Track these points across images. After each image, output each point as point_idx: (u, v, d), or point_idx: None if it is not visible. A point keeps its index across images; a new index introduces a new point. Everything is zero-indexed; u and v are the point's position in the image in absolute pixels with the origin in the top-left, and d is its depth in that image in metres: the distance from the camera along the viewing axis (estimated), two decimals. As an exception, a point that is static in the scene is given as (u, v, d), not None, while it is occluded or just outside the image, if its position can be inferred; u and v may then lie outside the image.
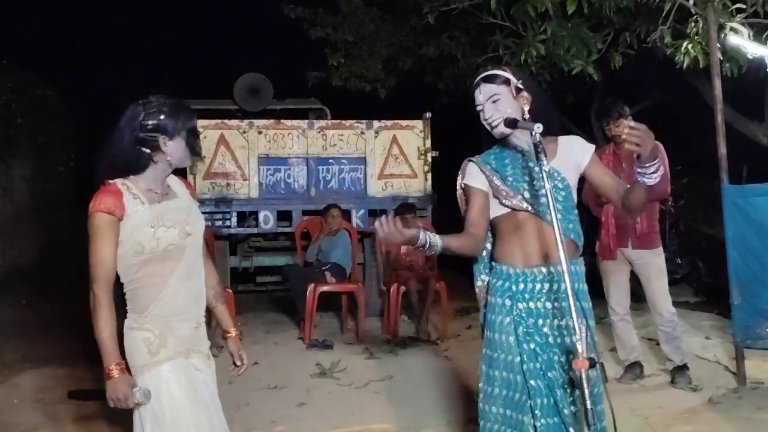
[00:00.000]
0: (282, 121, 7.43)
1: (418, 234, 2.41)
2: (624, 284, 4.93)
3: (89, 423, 4.35)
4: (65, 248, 9.26)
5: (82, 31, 13.89)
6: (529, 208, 2.57)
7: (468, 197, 2.70)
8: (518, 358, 2.53)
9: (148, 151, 2.42)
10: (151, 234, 2.39)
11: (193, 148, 2.48)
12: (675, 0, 5.07)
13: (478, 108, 2.61)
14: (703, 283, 7.54)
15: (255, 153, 7.10)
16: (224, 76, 9.34)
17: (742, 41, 5.06)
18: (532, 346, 2.53)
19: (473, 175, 2.68)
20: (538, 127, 2.30)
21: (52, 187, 10.53)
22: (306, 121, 7.51)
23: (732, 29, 4.99)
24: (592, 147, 2.70)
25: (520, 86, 2.58)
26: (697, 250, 7.25)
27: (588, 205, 5.06)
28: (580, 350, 2.15)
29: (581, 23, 5.85)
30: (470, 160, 2.70)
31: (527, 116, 2.54)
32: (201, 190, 6.95)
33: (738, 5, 5.03)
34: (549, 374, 2.52)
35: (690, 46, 5.21)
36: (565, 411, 2.50)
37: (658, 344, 5.06)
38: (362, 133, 7.31)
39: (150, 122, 2.42)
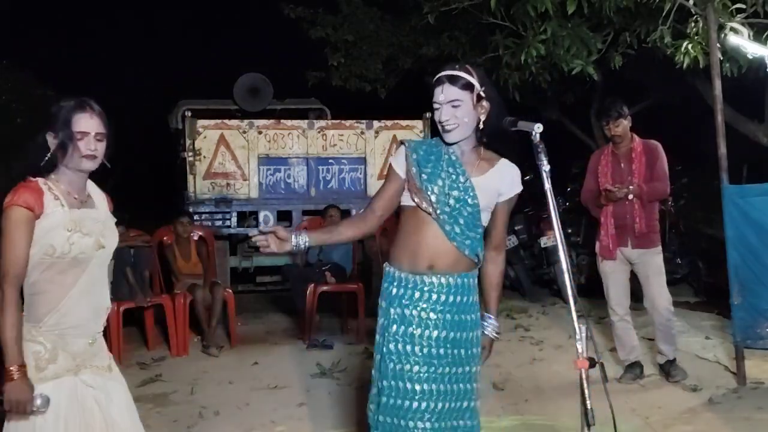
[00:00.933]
0: (282, 121, 7.44)
1: (290, 238, 2.49)
2: (624, 285, 4.93)
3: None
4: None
5: (82, 31, 13.89)
6: (430, 211, 2.55)
7: (386, 177, 2.71)
8: (387, 358, 2.56)
9: (51, 150, 2.35)
10: (65, 238, 2.32)
11: (64, 150, 2.33)
12: (675, 0, 5.07)
13: (435, 105, 2.58)
14: (703, 283, 7.53)
15: (255, 153, 7.10)
16: (224, 76, 9.35)
17: (742, 41, 5.05)
18: (400, 348, 2.55)
19: (398, 160, 2.66)
20: (538, 127, 2.29)
21: (52, 187, 10.53)
22: (306, 121, 7.51)
23: (732, 29, 4.99)
24: (520, 189, 2.69)
25: (482, 94, 2.56)
26: (697, 250, 7.25)
27: (587, 207, 5.07)
28: (579, 350, 2.15)
29: (581, 23, 5.85)
30: (403, 143, 2.70)
31: (482, 126, 2.56)
32: (201, 190, 6.96)
33: (738, 5, 5.03)
34: (421, 385, 2.54)
35: (690, 46, 5.20)
36: (457, 422, 2.56)
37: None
38: (362, 133, 7.31)
39: (49, 119, 2.37)
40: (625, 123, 4.84)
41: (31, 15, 13.12)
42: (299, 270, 6.89)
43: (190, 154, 6.93)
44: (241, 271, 7.83)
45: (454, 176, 2.58)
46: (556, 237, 2.24)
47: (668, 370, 4.89)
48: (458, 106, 2.54)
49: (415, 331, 2.56)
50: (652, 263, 4.82)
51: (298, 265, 7.04)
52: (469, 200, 2.58)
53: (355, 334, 6.53)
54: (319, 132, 7.26)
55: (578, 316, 2.18)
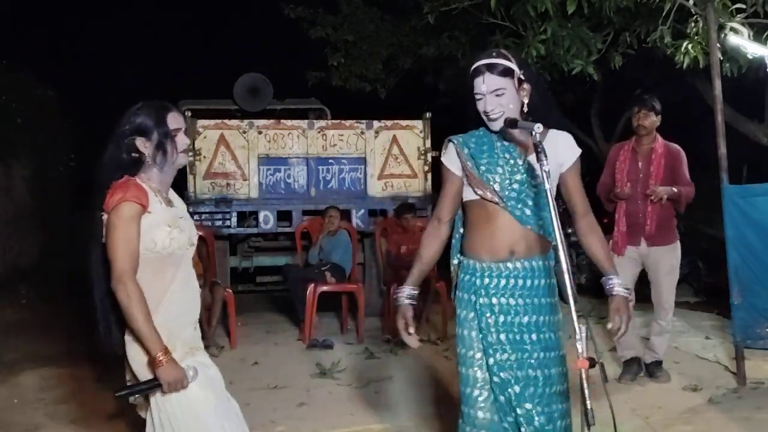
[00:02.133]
0: (282, 121, 7.43)
1: (409, 310, 2.56)
2: (630, 283, 4.89)
3: (89, 423, 4.35)
4: (65, 248, 9.26)
5: (82, 31, 13.90)
6: (498, 201, 2.53)
7: (443, 179, 2.68)
8: (479, 354, 2.55)
9: (133, 154, 2.42)
10: (167, 233, 2.41)
11: (164, 149, 2.43)
12: (675, 0, 5.07)
13: (478, 96, 2.54)
14: (703, 283, 7.54)
15: (255, 153, 7.09)
16: (224, 76, 9.35)
17: (742, 41, 5.06)
18: (494, 339, 2.54)
19: (450, 158, 2.64)
20: (538, 127, 2.29)
21: (52, 187, 10.54)
22: (306, 121, 7.50)
23: (732, 29, 4.99)
24: (579, 151, 2.64)
25: (522, 77, 2.53)
26: (697, 250, 7.25)
27: (600, 199, 5.01)
28: (579, 350, 2.15)
29: (581, 23, 5.85)
30: (450, 140, 2.66)
31: (526, 109, 2.53)
32: (201, 190, 6.95)
33: (738, 5, 5.03)
34: (502, 374, 2.53)
35: (690, 46, 5.21)
36: (518, 410, 2.52)
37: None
38: (362, 133, 7.30)
39: (128, 126, 2.43)
40: (654, 119, 4.78)
41: (31, 15, 13.12)
42: (299, 270, 6.89)
43: (190, 154, 6.93)
44: (241, 271, 7.83)
45: (512, 161, 2.56)
46: (556, 237, 2.24)
47: (653, 370, 4.90)
48: (502, 94, 2.50)
49: (505, 319, 2.55)
50: (666, 261, 4.79)
51: (298, 266, 7.04)
52: (533, 181, 2.55)
53: (355, 334, 6.53)
54: (319, 132, 7.26)
55: (578, 316, 2.19)
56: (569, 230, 7.87)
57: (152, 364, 2.33)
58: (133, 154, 2.43)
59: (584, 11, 5.50)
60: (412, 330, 2.56)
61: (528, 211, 2.55)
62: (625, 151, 4.88)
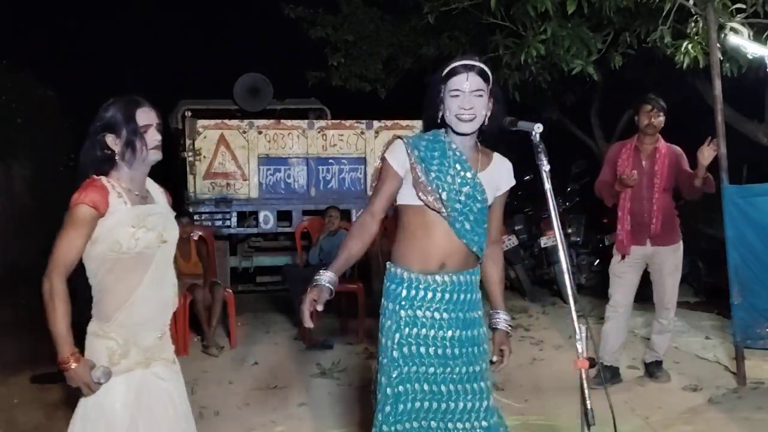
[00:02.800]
0: (282, 121, 7.43)
1: (323, 287, 2.45)
2: (633, 287, 4.86)
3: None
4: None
5: (82, 31, 13.90)
6: (442, 211, 2.50)
7: (383, 176, 2.58)
8: (393, 363, 2.51)
9: (105, 151, 2.41)
10: (131, 234, 2.37)
11: (133, 147, 2.40)
12: (675, 0, 5.07)
13: (455, 93, 2.47)
14: (703, 283, 7.54)
15: (255, 153, 7.09)
16: (224, 76, 9.35)
17: (742, 41, 5.05)
18: (405, 351, 2.51)
19: (397, 156, 2.55)
20: (538, 127, 2.29)
21: (52, 187, 10.53)
22: (306, 121, 7.51)
23: (732, 29, 4.99)
24: (513, 182, 2.68)
25: (492, 90, 2.53)
26: (697, 250, 7.25)
27: (601, 196, 4.99)
28: (579, 350, 2.15)
29: (581, 23, 5.85)
30: (400, 138, 2.61)
31: (486, 122, 2.52)
32: (201, 190, 6.95)
33: (738, 5, 5.03)
34: (445, 386, 2.52)
35: (690, 46, 5.20)
36: (449, 425, 2.53)
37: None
38: (362, 133, 7.31)
39: (99, 122, 2.42)
40: (662, 119, 4.75)
41: (31, 15, 13.13)
42: (299, 270, 6.89)
43: (190, 154, 6.93)
44: (241, 271, 7.83)
45: (462, 173, 2.53)
46: (556, 237, 2.24)
47: (653, 370, 4.89)
48: (481, 96, 2.48)
49: (428, 333, 2.52)
50: (669, 260, 4.78)
51: (298, 266, 7.04)
52: (479, 196, 2.54)
53: (355, 334, 6.53)
54: (319, 132, 7.26)
55: (578, 316, 2.19)
56: (569, 230, 7.92)
57: (60, 366, 2.30)
58: (106, 151, 2.41)
59: (584, 11, 5.50)
60: (320, 307, 2.44)
61: (467, 225, 2.53)
62: (628, 150, 4.84)
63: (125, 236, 2.36)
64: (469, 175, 2.54)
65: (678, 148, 4.83)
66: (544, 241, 7.80)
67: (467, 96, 2.47)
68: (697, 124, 6.16)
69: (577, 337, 2.16)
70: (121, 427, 2.37)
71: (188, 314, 6.15)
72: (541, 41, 5.74)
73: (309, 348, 6.17)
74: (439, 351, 2.54)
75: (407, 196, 2.56)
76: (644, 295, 5.10)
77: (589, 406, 2.11)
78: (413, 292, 2.54)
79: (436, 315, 2.54)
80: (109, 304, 2.39)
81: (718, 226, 4.93)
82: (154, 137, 2.45)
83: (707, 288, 7.44)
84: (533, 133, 2.30)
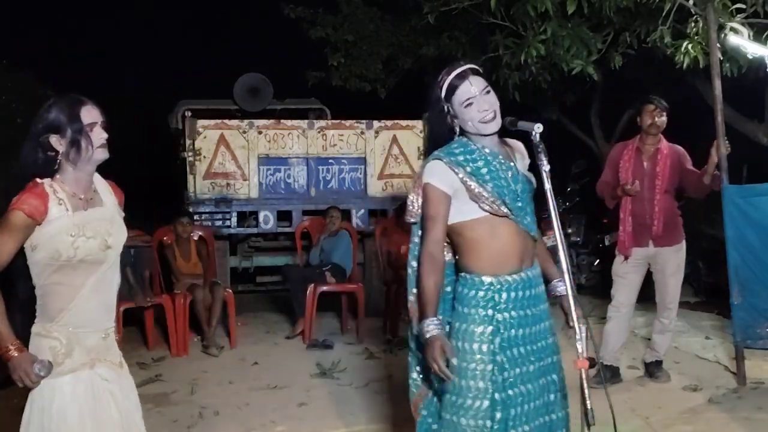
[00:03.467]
0: (282, 121, 7.43)
1: (439, 337, 2.35)
2: (636, 287, 4.85)
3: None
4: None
5: (82, 31, 13.90)
6: (510, 214, 2.47)
7: (434, 201, 2.48)
8: (490, 366, 2.46)
9: (48, 153, 2.35)
10: (69, 243, 2.32)
11: (78, 146, 2.33)
12: (675, 0, 5.07)
13: (470, 101, 2.45)
14: (703, 283, 7.54)
15: (255, 153, 7.09)
16: (224, 76, 9.35)
17: (742, 41, 5.05)
18: (509, 354, 2.47)
19: (443, 177, 2.47)
20: (538, 127, 2.29)
21: (52, 187, 10.54)
22: (306, 121, 7.51)
23: (732, 29, 4.99)
24: (527, 158, 2.65)
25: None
26: (697, 250, 7.25)
27: (602, 197, 4.98)
28: (579, 350, 2.15)
29: (581, 23, 5.85)
30: (438, 158, 2.49)
31: None
32: (201, 190, 6.95)
33: (738, 5, 5.03)
34: (528, 386, 2.49)
35: (690, 46, 5.20)
36: (545, 418, 2.51)
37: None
38: (362, 133, 7.31)
39: (41, 124, 2.35)
40: (665, 120, 4.74)
41: (31, 15, 13.13)
42: (299, 270, 6.89)
43: (190, 154, 6.93)
44: (241, 271, 7.82)
45: (509, 172, 2.52)
46: (556, 237, 2.24)
47: (653, 370, 4.89)
48: (489, 92, 2.48)
49: (518, 333, 2.50)
50: (672, 261, 4.78)
51: (298, 266, 7.04)
52: (528, 187, 2.54)
53: (355, 334, 6.53)
54: (319, 132, 7.26)
55: (578, 316, 2.19)
56: (569, 230, 7.92)
57: (3, 355, 2.30)
58: (49, 153, 2.34)
59: (584, 11, 5.50)
60: (454, 360, 2.38)
61: (528, 218, 2.53)
62: (629, 151, 4.83)
63: (64, 245, 2.32)
64: (514, 170, 2.54)
65: (680, 148, 4.83)
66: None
67: (480, 98, 2.46)
68: (697, 124, 6.16)
69: (577, 337, 2.16)
70: (72, 425, 2.35)
71: (188, 314, 6.15)
72: (541, 41, 5.73)
73: (309, 348, 6.18)
74: (530, 347, 2.52)
75: (467, 213, 2.49)
76: (645, 295, 5.10)
77: (589, 406, 2.11)
78: (505, 294, 2.49)
79: (521, 313, 2.51)
80: (53, 306, 2.37)
81: (718, 226, 4.93)
82: (99, 135, 2.36)
83: (707, 288, 7.44)
84: (533, 133, 2.30)
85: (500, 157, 2.53)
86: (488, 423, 2.44)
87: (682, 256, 4.82)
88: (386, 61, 8.79)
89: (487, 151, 2.51)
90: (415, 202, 2.57)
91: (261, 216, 7.07)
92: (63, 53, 13.68)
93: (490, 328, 2.47)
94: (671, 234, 4.77)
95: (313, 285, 6.42)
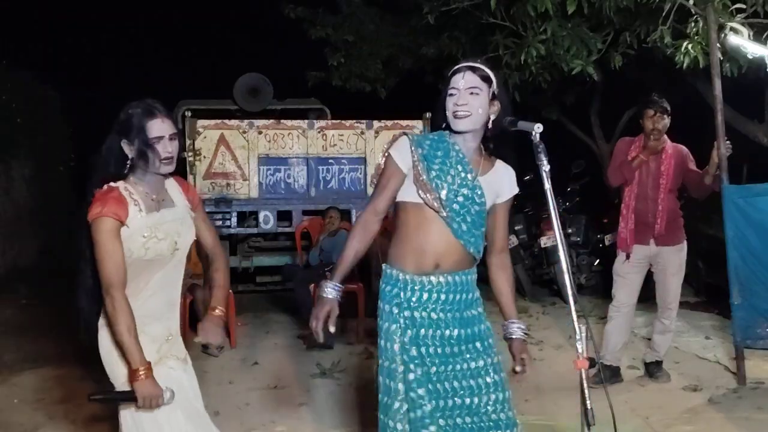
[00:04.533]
0: (282, 121, 7.43)
1: (332, 302, 2.46)
2: (637, 287, 4.85)
3: (89, 423, 4.35)
4: (65, 248, 9.26)
5: (82, 31, 13.89)
6: (441, 211, 2.51)
7: (387, 172, 2.58)
8: (401, 367, 2.49)
9: (126, 155, 2.42)
10: (141, 243, 2.41)
11: (144, 157, 2.41)
12: (675, 0, 5.07)
13: (452, 92, 2.52)
14: (703, 283, 7.53)
15: (255, 153, 7.09)
16: (224, 76, 9.34)
17: (742, 41, 5.05)
18: (414, 352, 2.49)
19: (402, 152, 2.56)
20: (538, 127, 2.30)
21: (52, 187, 10.54)
22: (306, 121, 7.51)
23: (732, 29, 4.99)
24: (517, 190, 2.69)
25: (496, 93, 2.54)
26: (697, 250, 7.25)
27: (614, 179, 4.89)
28: (579, 350, 2.15)
29: (581, 23, 5.85)
30: (405, 134, 2.63)
31: (491, 125, 2.53)
32: (201, 190, 6.95)
33: (738, 5, 5.03)
34: (441, 385, 2.51)
35: (690, 46, 5.20)
36: (457, 420, 2.51)
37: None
38: (362, 133, 7.31)
39: (118, 127, 2.43)
40: (666, 122, 4.73)
41: (31, 15, 13.12)
42: (302, 271, 6.88)
43: (190, 154, 6.93)
44: (241, 271, 7.83)
45: (462, 174, 2.55)
46: (556, 237, 2.24)
47: (653, 370, 4.89)
48: (476, 94, 2.50)
49: (427, 332, 2.53)
50: (673, 261, 4.78)
51: (298, 265, 7.03)
52: (477, 199, 2.56)
53: (355, 334, 6.53)
54: (319, 132, 7.26)
55: (578, 316, 2.19)
56: (569, 230, 7.92)
57: (131, 376, 2.36)
58: (121, 155, 2.43)
59: (584, 11, 5.50)
60: (332, 328, 2.48)
61: (464, 227, 2.54)
62: (637, 148, 4.81)
63: (136, 245, 2.40)
64: (469, 177, 2.56)
65: (684, 148, 4.83)
66: (544, 241, 7.80)
67: (462, 93, 2.50)
68: (697, 124, 6.16)
69: (577, 337, 2.16)
70: (162, 416, 2.44)
71: (188, 314, 6.15)
72: (541, 41, 5.74)
73: (309, 348, 6.17)
74: (439, 350, 2.54)
75: (407, 194, 2.57)
76: (645, 295, 5.10)
77: (589, 406, 2.11)
78: (409, 293, 2.54)
79: (433, 315, 2.54)
80: None
81: (718, 226, 4.93)
82: (165, 149, 2.43)
83: (707, 288, 7.44)
84: (533, 133, 2.30)
85: (466, 160, 2.56)
86: (407, 427, 2.48)
87: (683, 256, 4.82)
88: (386, 61, 8.79)
89: (457, 148, 2.56)
90: (379, 168, 2.67)
91: (261, 216, 7.07)
92: (63, 53, 13.67)
93: (395, 326, 2.52)
94: (673, 234, 4.77)
95: (313, 285, 6.42)
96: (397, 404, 2.51)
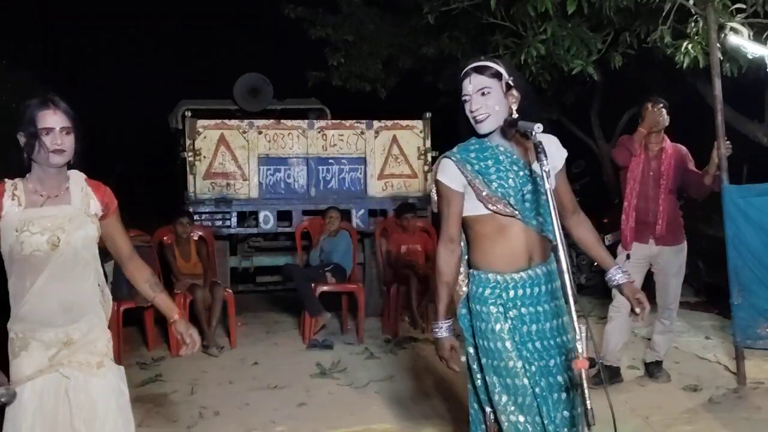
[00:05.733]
0: (282, 121, 7.43)
1: (450, 338, 2.53)
2: (637, 286, 4.85)
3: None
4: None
5: (82, 31, 13.89)
6: (516, 214, 2.51)
7: (445, 199, 2.58)
8: (520, 363, 2.50)
9: (24, 149, 2.44)
10: (15, 238, 2.40)
11: (31, 148, 2.42)
12: (675, 0, 5.07)
13: (465, 98, 2.52)
14: (703, 283, 7.53)
15: (255, 153, 7.09)
16: (224, 76, 9.34)
17: (742, 41, 5.05)
18: (530, 348, 2.51)
19: (451, 175, 2.55)
20: (538, 127, 2.29)
21: (52, 187, 10.53)
22: (306, 121, 7.50)
23: (732, 29, 4.99)
24: (566, 152, 2.69)
25: (511, 83, 2.51)
26: (697, 250, 7.25)
27: (620, 158, 4.88)
28: (579, 350, 2.15)
29: (581, 23, 5.85)
30: (448, 157, 2.57)
31: (515, 115, 2.50)
32: (201, 190, 6.95)
33: (738, 5, 5.03)
34: (546, 379, 2.51)
35: (690, 46, 5.20)
36: (564, 413, 2.50)
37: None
38: (362, 133, 7.30)
39: (19, 122, 2.45)
40: (666, 118, 4.75)
41: (31, 15, 13.11)
42: (302, 271, 6.88)
43: (190, 154, 6.92)
44: (241, 271, 7.82)
45: (520, 172, 2.54)
46: (556, 237, 2.24)
47: (653, 370, 4.89)
48: (488, 93, 2.49)
49: (531, 328, 2.53)
50: (674, 261, 4.78)
51: (298, 265, 7.03)
52: (541, 189, 2.53)
53: (355, 334, 6.53)
54: (319, 132, 7.26)
55: (578, 316, 2.19)
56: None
57: None
58: (22, 148, 2.45)
59: (584, 11, 5.50)
60: (459, 365, 2.55)
61: (540, 218, 2.56)
62: (639, 147, 4.83)
63: (11, 240, 2.40)
64: (527, 171, 2.56)
65: (683, 147, 4.84)
66: (544, 241, 7.79)
67: (473, 97, 2.51)
68: (697, 124, 6.16)
69: (577, 337, 2.16)
70: (23, 426, 2.38)
71: (188, 314, 6.15)
72: (541, 41, 5.74)
73: (309, 348, 6.17)
74: (545, 343, 2.54)
75: (475, 209, 2.56)
76: (645, 295, 5.09)
77: (589, 406, 2.11)
78: (512, 292, 2.54)
79: (538, 308, 2.55)
80: (13, 300, 2.46)
81: (718, 226, 4.93)
82: (54, 141, 2.42)
83: (707, 288, 7.44)
84: (533, 133, 2.30)
85: (514, 156, 2.56)
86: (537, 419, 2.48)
87: (683, 256, 4.83)
88: (386, 61, 8.80)
89: (501, 149, 2.56)
90: (433, 196, 2.66)
91: (261, 216, 7.07)
92: (63, 53, 13.67)
93: (507, 324, 2.52)
94: (673, 234, 4.77)
95: (312, 285, 6.43)
96: (520, 399, 2.49)
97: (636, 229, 4.77)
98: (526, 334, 2.52)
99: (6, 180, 2.44)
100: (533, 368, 2.49)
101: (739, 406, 4.34)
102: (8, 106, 8.97)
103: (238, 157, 7.05)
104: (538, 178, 2.54)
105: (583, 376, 2.14)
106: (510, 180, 2.53)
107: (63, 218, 2.46)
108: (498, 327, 2.52)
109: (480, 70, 2.51)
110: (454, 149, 2.61)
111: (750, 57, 5.24)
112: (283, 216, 7.23)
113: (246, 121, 7.24)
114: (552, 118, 9.28)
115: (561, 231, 2.26)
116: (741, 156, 5.41)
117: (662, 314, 4.84)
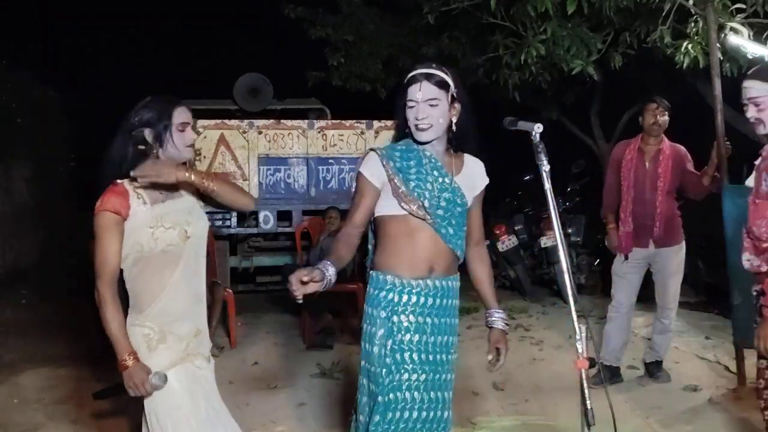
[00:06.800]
0: (282, 121, 7.43)
1: (323, 276, 2.38)
2: (635, 287, 4.86)
3: (89, 423, 4.35)
4: (65, 248, 9.26)
5: (82, 31, 13.90)
6: (427, 218, 2.51)
7: (360, 191, 2.58)
8: (384, 370, 2.49)
9: (139, 147, 2.47)
10: (149, 234, 2.45)
11: (165, 142, 2.48)
12: (675, 0, 5.07)
13: (411, 104, 2.51)
14: (703, 283, 7.53)
15: (255, 153, 7.10)
16: (224, 76, 9.34)
17: (742, 41, 5.05)
18: (398, 357, 2.50)
19: (372, 169, 2.55)
20: (538, 127, 2.30)
21: (52, 187, 10.53)
22: (306, 121, 7.51)
23: (732, 29, 4.99)
24: (488, 181, 2.69)
25: (455, 95, 2.53)
26: (697, 250, 7.25)
27: (608, 203, 4.93)
28: (579, 350, 2.15)
29: (581, 23, 5.85)
30: (374, 150, 2.60)
31: (454, 128, 2.53)
32: (201, 190, 6.95)
33: (738, 5, 5.03)
34: (414, 393, 2.51)
35: (690, 46, 5.20)
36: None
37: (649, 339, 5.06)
38: (362, 133, 7.31)
39: (136, 118, 2.48)
40: (667, 118, 4.75)
41: (31, 15, 13.12)
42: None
43: (190, 154, 6.93)
44: (241, 271, 7.83)
45: (440, 179, 2.56)
46: (556, 237, 2.24)
47: (653, 370, 4.89)
48: (436, 105, 2.49)
49: (413, 338, 2.52)
50: (672, 261, 4.78)
51: (297, 265, 7.03)
52: (458, 200, 2.57)
53: (356, 334, 6.52)
54: (319, 132, 7.27)
55: (578, 316, 2.19)
56: (569, 230, 7.92)
57: (119, 366, 2.41)
58: (140, 147, 2.47)
59: (584, 11, 5.50)
60: (313, 286, 2.37)
61: (451, 230, 2.55)
62: (632, 150, 4.82)
63: (145, 237, 2.44)
64: (447, 180, 2.57)
65: (682, 148, 4.83)
66: (544, 241, 7.81)
67: (420, 106, 2.50)
68: (697, 124, 6.16)
69: (577, 337, 2.16)
70: (186, 409, 2.49)
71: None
72: (541, 41, 5.73)
73: (309, 348, 6.17)
74: (423, 356, 2.54)
75: (388, 207, 2.56)
76: (645, 295, 5.10)
77: (589, 406, 2.11)
78: (405, 297, 2.53)
79: (420, 319, 2.54)
80: (143, 299, 2.48)
81: (718, 226, 4.93)
82: (189, 135, 2.53)
83: (707, 288, 7.44)
84: (533, 133, 2.30)
85: (438, 162, 2.57)
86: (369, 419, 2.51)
87: (682, 256, 4.82)
88: (386, 61, 8.79)
89: (427, 153, 2.57)
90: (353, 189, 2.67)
91: (261, 216, 7.08)
92: (63, 53, 13.68)
93: (382, 330, 2.52)
94: (671, 235, 4.77)
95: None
96: (375, 403, 2.51)
97: (634, 234, 4.77)
98: (405, 342, 2.51)
99: (120, 181, 2.46)
100: (390, 378, 2.48)
101: (739, 406, 4.34)
102: (8, 106, 8.99)
103: (238, 157, 7.05)
104: (461, 194, 2.56)
105: (583, 376, 2.14)
106: (428, 183, 2.54)
107: (185, 212, 2.55)
108: (380, 332, 2.53)
109: (431, 78, 2.50)
110: (382, 146, 2.66)
111: (750, 57, 5.23)
112: (283, 216, 7.23)
113: (246, 121, 7.25)
114: (552, 118, 9.28)
115: (561, 230, 2.26)
116: (741, 156, 5.41)
117: (661, 314, 4.84)
